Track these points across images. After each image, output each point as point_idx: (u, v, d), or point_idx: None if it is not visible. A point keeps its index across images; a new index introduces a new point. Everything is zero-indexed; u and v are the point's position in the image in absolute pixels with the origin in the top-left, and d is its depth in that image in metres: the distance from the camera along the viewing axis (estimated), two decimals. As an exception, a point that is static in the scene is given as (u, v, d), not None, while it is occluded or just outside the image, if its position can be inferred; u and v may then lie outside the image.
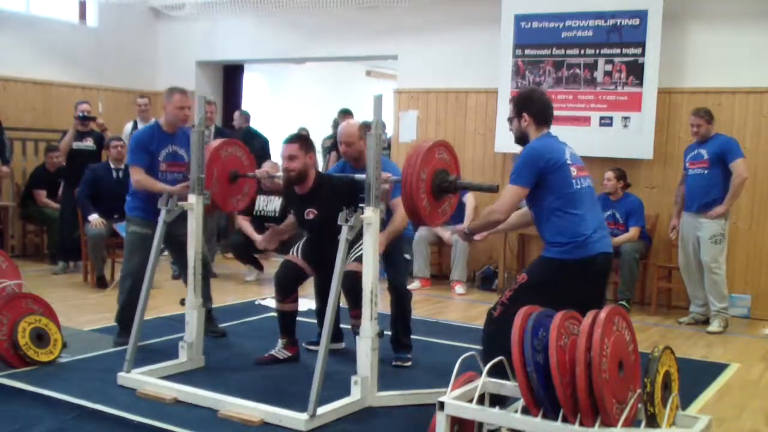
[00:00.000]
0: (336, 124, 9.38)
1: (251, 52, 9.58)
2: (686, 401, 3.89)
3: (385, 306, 4.82)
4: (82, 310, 6.06)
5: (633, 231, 6.76)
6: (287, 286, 4.65)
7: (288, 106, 12.34)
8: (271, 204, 7.31)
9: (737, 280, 6.73)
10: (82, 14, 9.33)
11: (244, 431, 3.64)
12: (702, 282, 6.23)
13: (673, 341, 5.70)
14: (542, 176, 3.54)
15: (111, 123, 8.21)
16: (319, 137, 9.59)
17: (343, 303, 4.76)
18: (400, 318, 4.83)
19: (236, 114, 9.17)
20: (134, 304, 4.50)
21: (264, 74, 12.09)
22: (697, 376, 4.77)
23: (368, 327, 3.90)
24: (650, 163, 7.13)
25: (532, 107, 3.69)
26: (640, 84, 7.01)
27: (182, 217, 4.53)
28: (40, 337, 4.49)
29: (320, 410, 3.68)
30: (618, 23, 7.07)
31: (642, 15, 6.95)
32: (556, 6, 7.36)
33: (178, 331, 4.82)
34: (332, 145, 8.83)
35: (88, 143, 7.75)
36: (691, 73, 6.99)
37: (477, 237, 3.95)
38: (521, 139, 3.74)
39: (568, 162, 3.58)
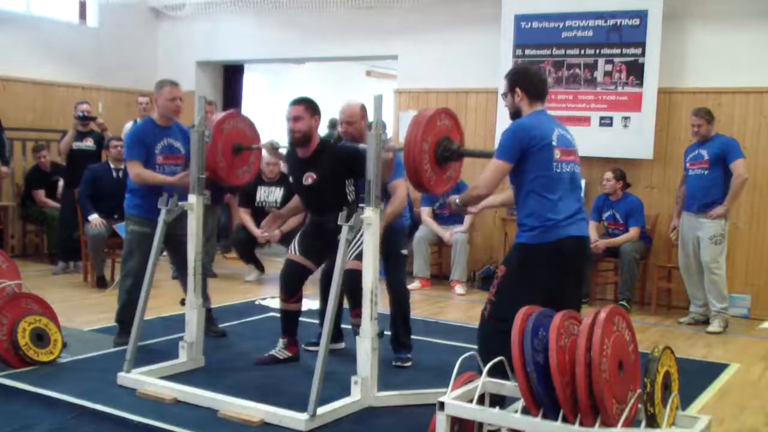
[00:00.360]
0: (332, 125, 9.39)
1: (251, 52, 9.58)
2: (686, 401, 3.89)
3: (385, 306, 4.83)
4: (82, 310, 6.06)
5: (633, 231, 6.77)
6: (292, 285, 4.64)
7: (287, 104, 12.30)
8: (272, 195, 7.30)
9: (737, 280, 6.73)
10: (82, 14, 9.34)
11: (244, 431, 3.65)
12: (702, 282, 6.23)
13: (673, 341, 5.70)
14: (525, 153, 3.49)
15: (111, 123, 8.21)
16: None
17: (346, 304, 4.77)
18: (399, 317, 4.83)
19: None
20: (134, 304, 4.50)
21: (264, 74, 12.09)
22: (697, 376, 4.77)
23: (368, 327, 3.90)
24: (650, 163, 7.13)
25: (525, 82, 3.64)
26: (640, 84, 7.01)
27: (181, 217, 4.53)
28: (40, 337, 4.49)
29: (320, 410, 3.68)
30: (618, 23, 7.07)
31: (642, 15, 6.95)
32: (556, 6, 7.36)
33: (178, 331, 4.82)
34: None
35: (88, 143, 7.75)
36: (691, 73, 6.99)
37: (471, 209, 3.93)
38: (515, 114, 3.69)
39: (554, 144, 3.51)
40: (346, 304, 4.78)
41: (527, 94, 3.63)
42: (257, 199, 7.33)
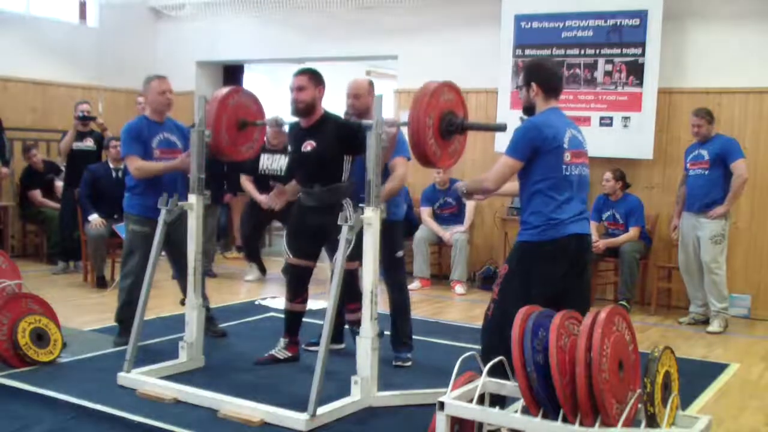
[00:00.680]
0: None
1: (251, 52, 9.58)
2: (686, 401, 3.89)
3: (385, 306, 4.83)
4: (82, 310, 6.06)
5: (633, 231, 6.77)
6: (298, 287, 4.65)
7: (288, 106, 12.31)
8: (275, 162, 7.23)
9: (737, 280, 6.73)
10: (82, 14, 9.34)
11: (244, 431, 3.65)
12: (702, 282, 6.23)
13: (673, 341, 5.70)
14: (536, 153, 3.47)
15: (111, 123, 8.20)
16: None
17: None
18: (400, 318, 4.83)
19: None
20: (134, 304, 4.50)
21: (264, 74, 12.09)
22: (697, 376, 4.76)
23: (368, 327, 3.90)
24: (650, 163, 7.13)
25: (541, 77, 3.59)
26: (640, 84, 7.01)
27: (180, 217, 4.52)
28: (40, 337, 4.49)
29: (320, 410, 3.68)
30: (618, 23, 7.07)
31: (642, 15, 6.95)
32: (556, 6, 7.36)
33: (178, 331, 4.82)
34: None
35: (88, 143, 7.74)
36: (691, 73, 6.99)
37: (477, 196, 3.93)
38: (529, 109, 3.65)
39: (565, 146, 3.49)
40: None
41: (543, 89, 3.58)
42: (261, 166, 7.24)
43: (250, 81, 11.01)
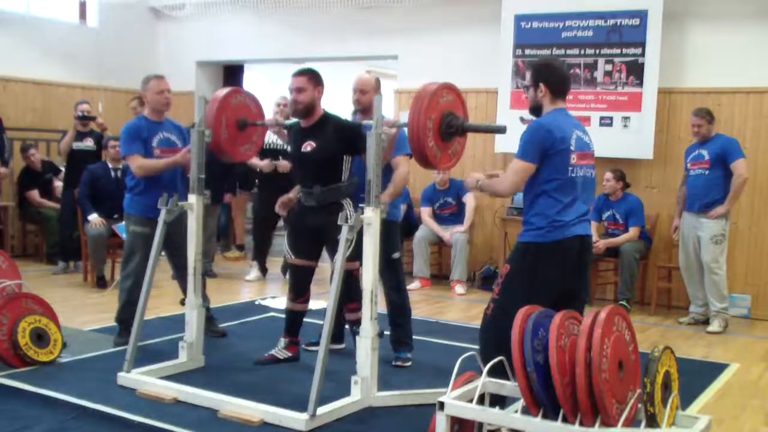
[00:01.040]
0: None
1: (251, 52, 9.58)
2: (686, 401, 3.89)
3: (384, 306, 4.83)
4: (82, 310, 6.06)
5: (633, 231, 6.77)
6: (300, 286, 4.66)
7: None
8: (280, 138, 7.19)
9: (737, 280, 6.73)
10: (83, 14, 9.34)
11: (244, 431, 3.65)
12: (702, 282, 6.23)
13: (673, 341, 5.70)
14: (544, 154, 3.46)
15: (111, 123, 8.21)
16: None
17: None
18: (399, 318, 4.82)
19: None
20: (134, 304, 4.50)
21: (264, 74, 12.09)
22: (697, 376, 4.77)
23: (368, 327, 3.90)
24: (650, 163, 7.13)
25: (550, 78, 3.57)
26: (640, 84, 7.01)
27: (180, 217, 4.52)
28: (40, 337, 4.49)
29: (320, 410, 3.68)
30: (618, 23, 7.07)
31: (642, 15, 6.95)
32: (556, 6, 7.36)
33: (178, 331, 4.82)
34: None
35: (88, 143, 7.75)
36: (691, 73, 6.99)
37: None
38: (535, 109, 3.64)
39: (572, 148, 3.49)
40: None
41: (551, 90, 3.56)
42: (266, 140, 7.24)
43: (250, 81, 11.01)
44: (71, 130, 7.68)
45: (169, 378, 4.26)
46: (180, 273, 4.94)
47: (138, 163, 4.85)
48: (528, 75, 3.66)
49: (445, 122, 3.70)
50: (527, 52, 7.49)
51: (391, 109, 8.57)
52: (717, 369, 5.05)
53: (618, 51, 7.09)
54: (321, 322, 4.00)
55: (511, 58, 7.56)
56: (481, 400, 3.01)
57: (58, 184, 8.16)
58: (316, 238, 4.52)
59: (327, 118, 4.48)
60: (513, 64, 7.56)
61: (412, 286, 7.22)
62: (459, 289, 7.42)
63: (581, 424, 2.76)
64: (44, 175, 8.26)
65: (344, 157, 4.40)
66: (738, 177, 6.01)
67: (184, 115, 8.69)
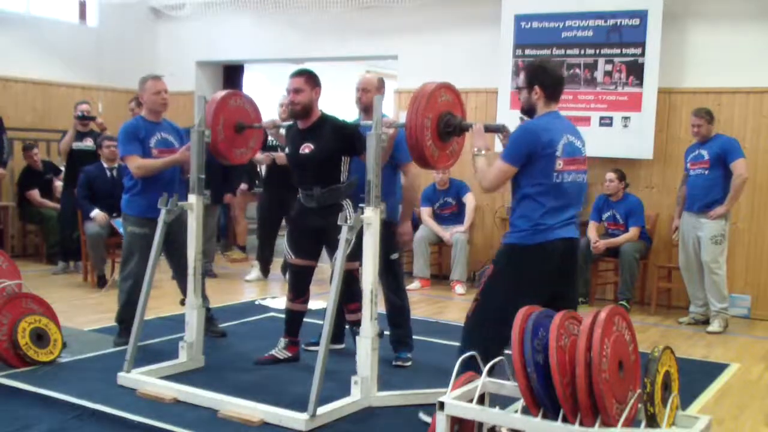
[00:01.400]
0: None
1: (251, 52, 9.58)
2: (686, 401, 3.89)
3: (383, 306, 4.82)
4: (82, 310, 6.06)
5: (633, 231, 6.77)
6: (300, 286, 4.66)
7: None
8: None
9: (737, 280, 6.73)
10: (82, 14, 9.35)
11: (244, 431, 3.65)
12: (702, 282, 6.23)
13: (673, 341, 5.70)
14: (529, 158, 3.44)
15: (111, 123, 8.20)
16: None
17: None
18: (398, 319, 4.82)
19: None
20: (134, 305, 4.50)
21: (264, 74, 12.09)
22: (697, 376, 4.77)
23: (368, 327, 3.90)
24: (650, 163, 7.13)
25: (545, 80, 3.54)
26: (640, 84, 7.01)
27: (179, 218, 4.52)
28: (40, 337, 4.49)
29: (320, 410, 3.68)
30: (618, 23, 7.07)
31: (642, 15, 6.95)
32: (556, 6, 7.36)
33: (178, 331, 4.82)
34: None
35: (88, 143, 7.74)
36: (691, 73, 6.99)
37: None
38: (529, 111, 3.61)
39: (557, 154, 3.44)
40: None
41: (545, 92, 3.54)
42: (269, 139, 7.24)
43: (249, 81, 11.01)
44: (71, 130, 7.68)
45: (169, 378, 4.27)
46: (179, 273, 4.93)
47: (137, 163, 4.84)
48: (522, 76, 3.62)
49: (443, 122, 3.71)
50: (527, 52, 7.49)
51: (391, 109, 8.56)
52: (717, 369, 5.05)
53: (618, 51, 7.09)
54: (321, 322, 3.99)
55: (511, 58, 7.56)
56: (481, 400, 3.01)
57: (59, 184, 8.16)
58: (316, 239, 4.52)
59: (324, 119, 4.47)
60: (513, 64, 7.56)
61: (412, 286, 7.22)
62: (459, 289, 7.42)
63: (581, 424, 2.75)
64: (45, 176, 8.26)
65: (343, 157, 4.40)
66: (738, 177, 6.01)
67: (183, 115, 8.70)
